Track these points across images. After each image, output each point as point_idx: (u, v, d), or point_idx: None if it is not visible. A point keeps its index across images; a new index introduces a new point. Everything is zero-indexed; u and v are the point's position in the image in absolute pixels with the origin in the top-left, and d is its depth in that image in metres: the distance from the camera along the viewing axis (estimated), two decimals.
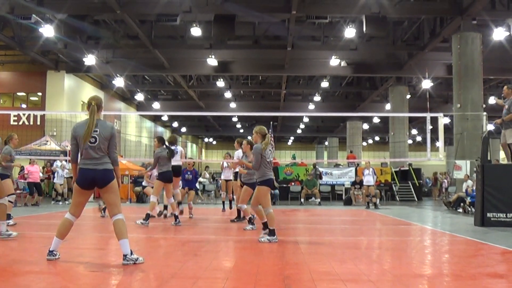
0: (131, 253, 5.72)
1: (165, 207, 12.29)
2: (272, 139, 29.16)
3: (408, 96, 32.66)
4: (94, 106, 5.73)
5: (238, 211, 11.74)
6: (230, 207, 14.72)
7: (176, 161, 11.13)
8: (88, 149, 5.66)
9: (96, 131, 5.68)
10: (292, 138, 64.13)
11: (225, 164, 14.32)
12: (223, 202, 15.44)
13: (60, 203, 19.06)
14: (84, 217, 11.41)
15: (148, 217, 10.23)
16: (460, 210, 16.46)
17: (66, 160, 18.75)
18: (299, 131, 54.13)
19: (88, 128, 5.64)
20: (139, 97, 37.26)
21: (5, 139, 10.04)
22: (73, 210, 5.89)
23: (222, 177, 14.94)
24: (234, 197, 13.09)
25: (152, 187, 11.90)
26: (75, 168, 5.83)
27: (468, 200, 15.92)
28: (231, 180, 13.66)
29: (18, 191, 18.48)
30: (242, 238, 8.99)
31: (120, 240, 5.75)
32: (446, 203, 18.76)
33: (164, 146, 10.57)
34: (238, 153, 11.54)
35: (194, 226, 10.81)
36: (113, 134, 5.83)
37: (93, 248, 7.12)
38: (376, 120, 45.13)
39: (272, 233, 7.93)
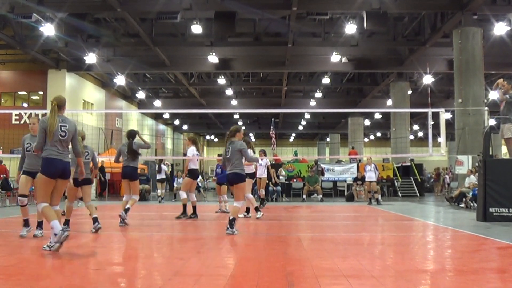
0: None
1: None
2: (274, 136, 29.28)
3: (410, 92, 32.60)
4: (54, 106, 6.46)
5: (192, 207, 11.68)
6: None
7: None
8: (58, 141, 6.38)
9: (66, 126, 6.47)
10: (293, 134, 64.08)
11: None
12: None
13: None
14: (83, 216, 11.43)
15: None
16: (463, 205, 16.45)
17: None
18: (300, 127, 54.09)
19: (51, 125, 6.34)
20: (140, 95, 37.27)
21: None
22: (45, 199, 6.40)
23: None
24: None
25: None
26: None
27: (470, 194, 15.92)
28: None
29: None
30: (244, 235, 9.00)
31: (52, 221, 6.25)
32: (448, 198, 18.75)
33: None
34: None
35: (196, 224, 10.83)
36: (76, 129, 6.71)
37: (95, 246, 7.12)
38: (377, 116, 45.08)
39: (39, 225, 7.86)
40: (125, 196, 10.33)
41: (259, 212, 11.82)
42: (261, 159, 14.60)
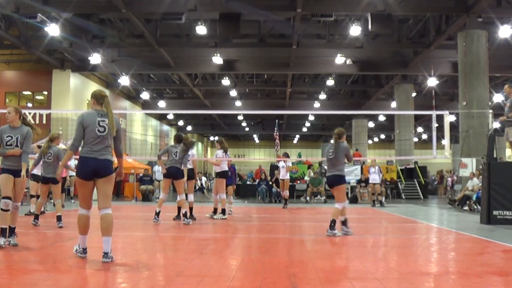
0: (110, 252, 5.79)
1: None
2: (278, 137, 29.27)
3: (414, 94, 32.52)
4: (107, 98, 5.97)
5: (179, 208, 11.37)
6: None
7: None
8: (96, 138, 5.74)
9: (105, 121, 5.80)
10: (297, 136, 64.05)
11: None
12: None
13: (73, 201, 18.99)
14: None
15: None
16: (466, 208, 16.42)
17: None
18: (304, 129, 54.04)
19: (110, 119, 5.80)
20: (145, 95, 37.32)
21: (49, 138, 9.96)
22: (84, 204, 5.95)
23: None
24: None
25: None
26: (71, 156, 5.96)
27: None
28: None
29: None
30: (247, 236, 9.00)
31: (104, 236, 5.80)
32: (451, 201, 18.70)
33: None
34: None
35: (200, 225, 10.83)
36: (120, 126, 6.04)
37: (98, 246, 7.14)
38: (381, 118, 44.99)
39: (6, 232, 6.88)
40: (162, 195, 10.94)
41: (219, 215, 11.98)
42: (283, 162, 16.29)
